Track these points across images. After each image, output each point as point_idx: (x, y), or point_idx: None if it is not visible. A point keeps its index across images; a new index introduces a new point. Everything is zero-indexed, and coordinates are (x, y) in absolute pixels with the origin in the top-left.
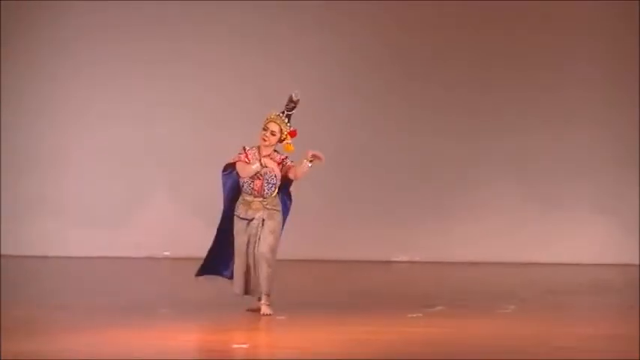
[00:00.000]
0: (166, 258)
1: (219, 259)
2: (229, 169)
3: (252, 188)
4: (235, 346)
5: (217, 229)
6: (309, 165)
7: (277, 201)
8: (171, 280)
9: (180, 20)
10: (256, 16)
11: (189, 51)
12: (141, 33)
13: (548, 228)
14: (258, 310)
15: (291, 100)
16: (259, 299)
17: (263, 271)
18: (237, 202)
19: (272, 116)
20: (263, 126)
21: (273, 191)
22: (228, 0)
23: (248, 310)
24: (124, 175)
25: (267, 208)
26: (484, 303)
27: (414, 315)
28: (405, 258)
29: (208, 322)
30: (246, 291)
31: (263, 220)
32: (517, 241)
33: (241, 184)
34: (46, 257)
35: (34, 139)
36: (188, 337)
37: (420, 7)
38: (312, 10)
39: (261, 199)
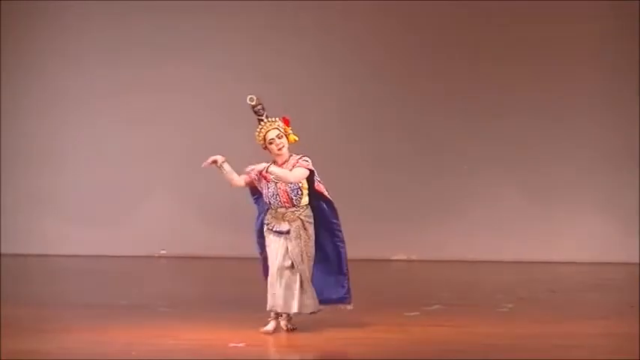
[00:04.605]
0: (164, 256)
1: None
2: (256, 194)
3: (279, 201)
4: (232, 345)
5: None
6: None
7: (310, 212)
8: (170, 278)
9: (181, 21)
10: (256, 17)
11: (189, 51)
12: (142, 33)
13: (548, 226)
14: (274, 330)
15: (252, 107)
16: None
17: (305, 290)
18: (269, 216)
19: (263, 128)
20: (264, 142)
21: (302, 197)
22: (229, 1)
23: (263, 332)
24: (123, 173)
25: (301, 219)
26: (482, 301)
27: (412, 313)
28: (402, 257)
29: (206, 321)
30: (275, 307)
31: (299, 233)
32: (516, 239)
33: (267, 200)
34: (44, 256)
35: (34, 137)
36: (186, 335)
37: (420, 8)
38: (312, 9)
39: (293, 209)
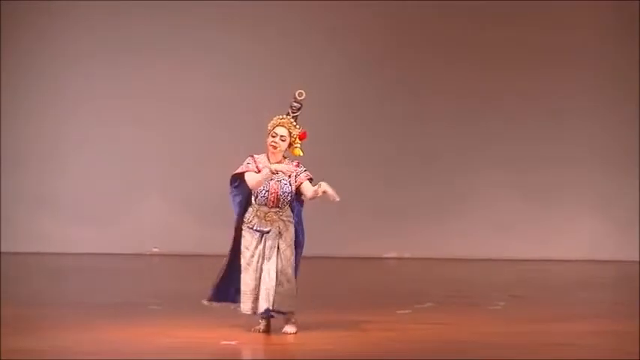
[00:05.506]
0: (156, 254)
1: (231, 284)
2: (237, 180)
3: (267, 198)
4: (224, 342)
5: (230, 251)
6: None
7: (290, 212)
8: (163, 276)
9: (180, 22)
10: (256, 16)
11: (187, 51)
12: (140, 32)
13: (543, 224)
14: (266, 330)
15: (295, 100)
16: (266, 318)
17: (284, 288)
18: (249, 214)
19: (279, 120)
20: (270, 131)
21: (289, 200)
22: (229, 1)
23: (253, 331)
24: (119, 173)
25: (283, 220)
26: (475, 299)
27: (405, 311)
28: (394, 254)
29: (199, 319)
30: (256, 309)
31: (279, 232)
32: (511, 237)
33: (254, 194)
34: (40, 254)
35: (31, 137)
36: (178, 333)
37: (421, 9)
38: (312, 9)
39: (276, 209)
